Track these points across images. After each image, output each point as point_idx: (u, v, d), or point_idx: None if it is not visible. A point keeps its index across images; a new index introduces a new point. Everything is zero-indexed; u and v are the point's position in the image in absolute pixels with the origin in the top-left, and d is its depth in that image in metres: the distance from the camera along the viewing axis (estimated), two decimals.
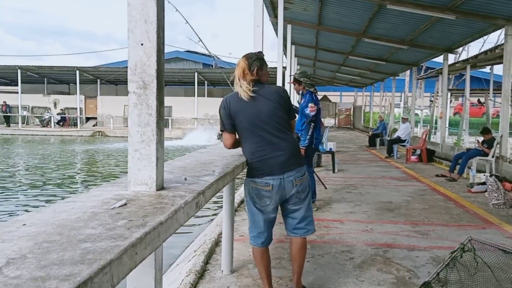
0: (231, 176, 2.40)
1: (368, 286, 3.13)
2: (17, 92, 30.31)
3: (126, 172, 1.63)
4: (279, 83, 9.01)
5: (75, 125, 30.70)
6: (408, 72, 18.76)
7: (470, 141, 13.58)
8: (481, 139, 8.74)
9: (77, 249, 0.93)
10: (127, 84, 1.60)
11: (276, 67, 9.59)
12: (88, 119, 32.15)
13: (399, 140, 12.59)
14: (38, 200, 8.79)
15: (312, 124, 5.14)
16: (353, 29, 12.73)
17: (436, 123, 16.79)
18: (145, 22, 1.54)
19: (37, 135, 27.61)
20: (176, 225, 1.34)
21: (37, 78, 33.24)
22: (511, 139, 8.67)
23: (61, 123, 30.70)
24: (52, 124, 30.14)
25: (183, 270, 3.45)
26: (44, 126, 30.35)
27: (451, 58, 14.35)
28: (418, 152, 11.53)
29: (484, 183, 6.71)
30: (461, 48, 13.97)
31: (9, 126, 30.02)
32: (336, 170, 9.05)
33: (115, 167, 13.86)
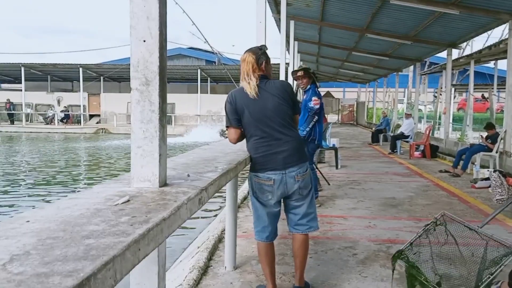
0: (234, 172, 2.40)
1: (371, 282, 3.14)
2: (21, 90, 30.45)
3: (129, 169, 1.64)
4: (282, 79, 9.00)
5: (79, 122, 30.80)
6: (411, 67, 18.70)
7: (474, 136, 13.53)
8: (485, 134, 8.71)
9: (80, 245, 0.93)
10: (130, 81, 1.60)
11: (279, 64, 9.58)
12: (91, 116, 32.25)
13: (402, 136, 12.56)
14: (41, 197, 8.84)
15: (316, 117, 5.13)
16: (356, 25, 12.67)
17: (439, 118, 16.75)
18: (147, 19, 1.54)
19: (41, 132, 27.72)
20: (179, 222, 1.34)
21: (41, 76, 33.32)
22: None
23: (64, 121, 30.80)
24: (56, 122, 30.25)
25: (186, 266, 3.46)
26: (47, 124, 30.46)
27: (455, 53, 14.31)
28: (421, 147, 11.50)
29: (487, 179, 6.69)
30: (465, 43, 13.94)
31: (13, 123, 30.15)
32: (339, 166, 9.04)
33: (119, 164, 13.89)
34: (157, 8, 1.53)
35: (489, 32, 12.27)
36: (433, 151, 11.32)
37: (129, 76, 1.59)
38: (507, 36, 9.23)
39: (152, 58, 1.55)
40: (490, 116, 14.69)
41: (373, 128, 18.53)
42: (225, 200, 3.63)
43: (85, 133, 27.95)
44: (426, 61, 19.10)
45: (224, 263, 3.41)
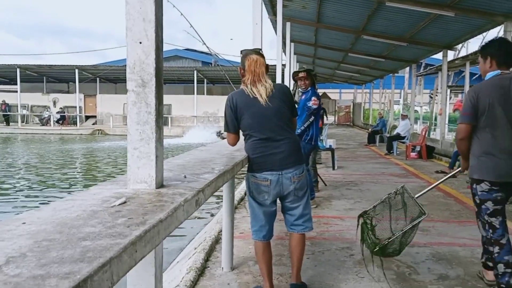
0: (231, 173, 2.41)
1: (368, 283, 3.14)
2: (16, 91, 30.28)
3: (125, 170, 1.63)
4: (278, 80, 9.00)
5: (75, 123, 30.71)
6: (407, 69, 18.74)
7: None
8: None
9: (77, 247, 0.93)
10: (126, 82, 1.60)
11: (275, 65, 9.59)
12: (87, 117, 32.15)
13: (398, 137, 12.59)
14: (37, 199, 8.80)
15: (312, 117, 5.15)
16: (352, 27, 12.71)
17: (435, 119, 16.79)
18: (144, 21, 1.54)
19: (37, 133, 27.61)
20: (176, 223, 1.34)
21: (36, 77, 33.22)
22: None
23: (60, 122, 30.70)
24: (52, 123, 30.14)
25: (183, 268, 3.46)
26: (43, 125, 30.37)
27: (451, 55, 14.35)
28: (417, 148, 11.54)
29: None
30: (460, 45, 13.97)
31: (9, 125, 30.02)
32: (336, 167, 9.06)
33: (115, 165, 13.86)
34: (153, 9, 1.53)
35: (484, 34, 12.36)
36: (429, 152, 11.36)
37: (125, 77, 1.59)
38: None
39: (148, 59, 1.55)
40: None
41: (370, 129, 18.56)
42: (221, 200, 3.63)
43: (81, 134, 27.85)
44: (422, 63, 19.14)
45: (221, 264, 3.41)
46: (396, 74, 20.53)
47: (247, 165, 2.84)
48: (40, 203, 8.20)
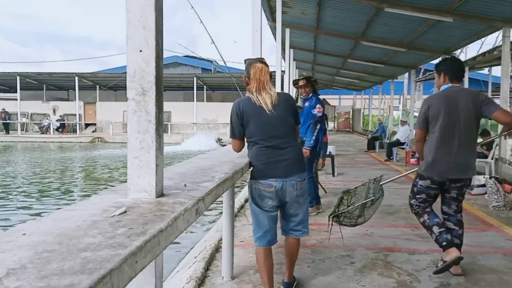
0: (231, 181, 2.40)
1: None
2: (16, 99, 30.32)
3: (126, 179, 1.63)
4: (278, 86, 9.02)
5: (75, 131, 30.71)
6: (406, 74, 18.80)
7: None
8: (479, 141, 8.73)
9: (77, 259, 0.93)
10: (126, 90, 1.60)
11: (275, 71, 9.61)
12: (87, 125, 32.18)
13: (398, 143, 12.59)
14: (37, 209, 8.77)
15: (319, 125, 5.22)
16: (351, 32, 12.76)
17: None
18: (144, 29, 1.54)
19: (37, 142, 27.59)
20: (176, 233, 1.34)
21: (36, 85, 33.26)
22: (510, 141, 8.67)
23: (60, 130, 30.70)
24: (52, 131, 30.14)
25: (183, 277, 3.44)
26: (43, 133, 30.34)
27: None
28: (417, 154, 11.51)
29: (483, 185, 6.71)
30: (459, 50, 14.00)
31: (8, 133, 30.01)
32: (336, 174, 9.04)
33: (115, 174, 13.84)
34: (153, 18, 1.54)
35: (482, 39, 12.38)
36: None
37: (125, 84, 1.59)
38: (500, 43, 9.31)
39: (148, 68, 1.55)
40: (485, 122, 14.77)
41: (369, 135, 18.58)
42: (221, 208, 3.62)
43: (81, 142, 27.84)
44: (421, 68, 19.18)
45: (222, 273, 3.39)
46: (395, 80, 20.58)
47: (248, 172, 2.87)
48: (39, 214, 8.17)
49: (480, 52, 13.49)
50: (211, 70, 35.06)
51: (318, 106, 5.24)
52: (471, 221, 5.23)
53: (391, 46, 12.97)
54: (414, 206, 3.58)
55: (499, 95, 9.07)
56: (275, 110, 2.75)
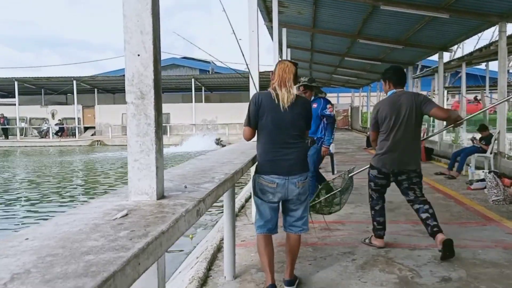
0: (231, 182, 2.42)
1: (371, 287, 3.14)
2: (15, 104, 30.32)
3: (126, 182, 1.64)
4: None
5: (74, 135, 30.71)
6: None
7: (468, 137, 13.59)
8: (478, 136, 8.76)
9: (80, 262, 0.94)
10: (124, 92, 1.61)
11: (271, 71, 9.60)
12: (86, 128, 32.16)
13: None
14: (39, 213, 8.78)
15: (336, 123, 5.49)
16: (347, 31, 12.77)
17: (433, 121, 16.82)
18: (141, 33, 1.55)
19: (36, 146, 27.59)
20: (178, 234, 1.35)
21: (34, 89, 33.23)
22: (508, 135, 8.69)
23: (59, 134, 30.69)
24: (51, 135, 30.14)
25: (186, 278, 3.45)
26: (42, 137, 30.35)
27: (446, 56, 14.40)
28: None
29: (483, 180, 6.73)
30: (456, 46, 14.03)
31: (7, 138, 30.00)
32: (335, 172, 9.05)
33: (115, 177, 13.84)
34: (151, 22, 1.55)
35: (479, 34, 12.42)
36: (428, 154, 11.36)
37: (123, 87, 1.60)
38: (497, 38, 9.33)
39: (146, 71, 1.56)
40: (483, 117, 14.79)
41: (368, 133, 18.57)
42: (222, 208, 3.63)
43: (80, 145, 27.85)
44: (418, 65, 19.19)
45: (224, 272, 3.40)
46: None
47: (253, 167, 3.00)
48: (41, 218, 8.18)
49: (477, 48, 13.53)
50: (209, 71, 35.04)
51: (328, 106, 5.58)
52: (471, 215, 5.25)
53: (388, 44, 12.99)
54: (369, 196, 4.24)
55: (497, 90, 9.10)
56: (290, 110, 2.84)
